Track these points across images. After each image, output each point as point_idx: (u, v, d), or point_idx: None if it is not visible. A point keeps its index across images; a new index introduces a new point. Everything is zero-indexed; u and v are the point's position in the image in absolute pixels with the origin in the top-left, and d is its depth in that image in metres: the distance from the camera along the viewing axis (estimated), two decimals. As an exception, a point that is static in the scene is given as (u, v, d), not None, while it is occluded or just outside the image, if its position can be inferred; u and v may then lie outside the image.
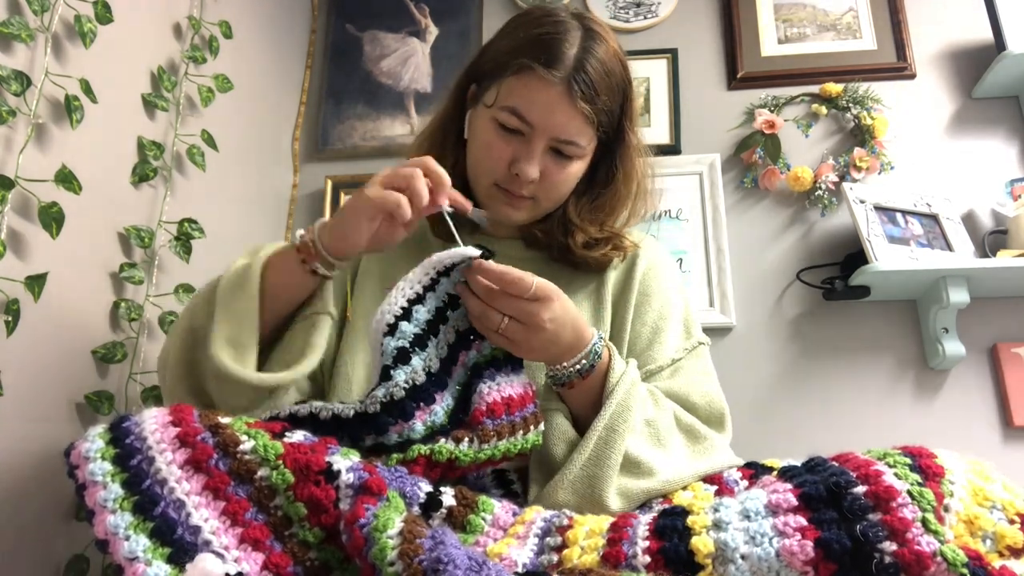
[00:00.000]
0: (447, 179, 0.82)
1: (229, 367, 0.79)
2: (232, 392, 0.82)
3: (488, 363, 0.82)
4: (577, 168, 0.98)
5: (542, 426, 0.83)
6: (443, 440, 0.73)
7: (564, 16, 0.96)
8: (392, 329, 0.75)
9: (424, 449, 0.72)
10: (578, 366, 0.83)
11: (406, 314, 0.76)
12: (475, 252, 0.77)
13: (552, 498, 0.79)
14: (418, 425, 0.74)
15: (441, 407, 0.76)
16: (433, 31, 2.13)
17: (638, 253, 1.08)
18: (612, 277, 1.06)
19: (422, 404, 0.74)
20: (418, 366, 0.75)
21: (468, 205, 0.85)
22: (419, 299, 0.77)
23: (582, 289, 1.05)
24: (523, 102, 0.92)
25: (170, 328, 0.91)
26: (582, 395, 0.86)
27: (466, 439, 0.75)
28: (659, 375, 0.97)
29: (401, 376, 0.73)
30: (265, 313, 0.84)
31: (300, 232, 0.85)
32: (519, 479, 0.86)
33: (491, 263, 0.77)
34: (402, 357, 0.74)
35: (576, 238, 1.02)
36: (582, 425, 0.85)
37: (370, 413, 0.73)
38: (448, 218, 0.83)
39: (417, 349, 0.75)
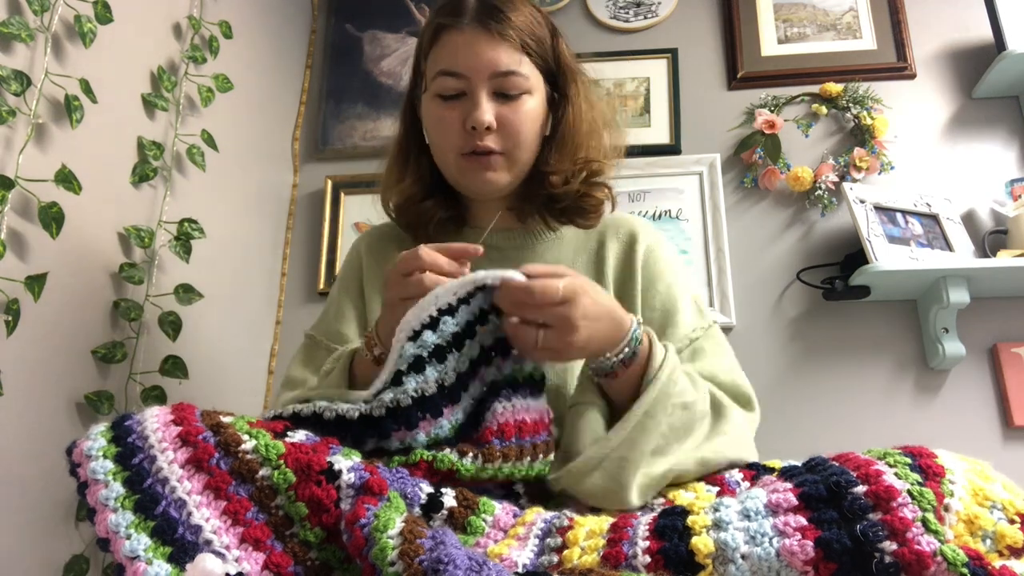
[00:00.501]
0: (457, 247, 0.81)
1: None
2: None
3: (507, 383, 0.80)
4: (530, 105, 0.97)
5: (551, 457, 0.81)
6: (448, 450, 0.72)
7: None
8: (416, 336, 0.73)
9: (427, 455, 0.71)
10: (621, 356, 0.81)
11: (433, 323, 0.74)
12: (520, 276, 0.75)
13: (580, 476, 0.77)
14: (421, 435, 0.73)
15: (449, 421, 0.75)
16: (433, 31, 2.13)
17: (636, 235, 1.07)
18: (611, 261, 1.05)
19: (428, 416, 0.73)
20: (431, 377, 0.73)
21: (479, 250, 0.84)
22: (450, 310, 0.75)
23: (577, 263, 1.05)
24: (448, 59, 0.95)
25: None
26: (626, 384, 0.83)
27: (471, 454, 0.73)
28: (679, 357, 0.94)
29: (411, 384, 0.72)
30: None
31: (363, 342, 0.87)
32: (523, 492, 0.85)
33: (515, 276, 0.75)
34: (417, 365, 0.73)
35: (552, 180, 1.00)
36: (621, 414, 0.82)
37: (375, 416, 0.72)
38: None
39: (434, 360, 0.74)
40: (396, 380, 0.73)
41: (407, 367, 0.73)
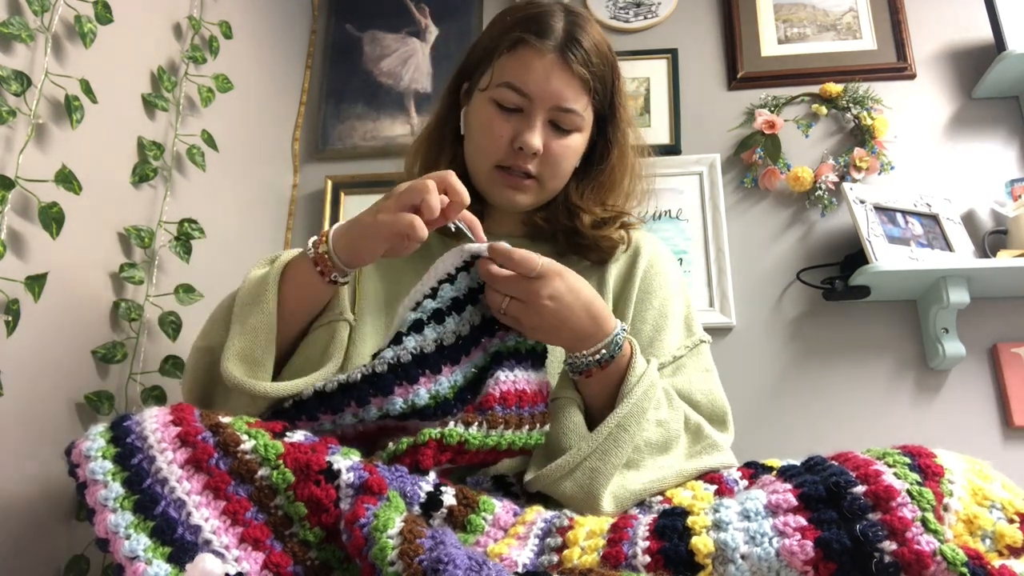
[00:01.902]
0: (466, 197, 0.81)
1: (241, 380, 0.79)
2: (247, 406, 0.82)
3: (511, 354, 0.83)
4: (577, 142, 0.99)
5: (547, 427, 0.83)
6: (452, 424, 0.75)
7: (546, 1, 1.00)
8: (417, 306, 0.79)
9: (435, 433, 0.73)
10: (597, 356, 0.83)
11: (433, 293, 0.80)
12: (507, 246, 0.80)
13: (551, 482, 0.78)
14: (422, 391, 0.75)
15: (448, 380, 0.78)
16: (433, 31, 2.14)
17: (640, 248, 1.08)
18: (614, 270, 1.06)
19: (428, 372, 0.76)
20: (430, 336, 0.77)
21: (479, 229, 0.86)
22: (450, 279, 0.81)
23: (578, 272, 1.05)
24: (519, 74, 0.94)
25: (191, 349, 0.92)
26: (599, 386, 0.85)
27: (475, 423, 0.76)
28: (661, 372, 0.96)
29: (411, 342, 0.76)
30: (283, 325, 0.85)
31: (313, 240, 0.85)
32: (518, 482, 0.86)
33: (504, 244, 0.80)
34: (416, 327, 0.78)
35: (583, 219, 1.03)
36: (593, 417, 0.85)
37: (377, 373, 0.74)
38: (459, 230, 0.85)
39: (433, 323, 0.78)
40: (396, 340, 0.77)
41: (407, 329, 0.77)
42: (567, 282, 0.80)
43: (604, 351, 0.83)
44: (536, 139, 0.95)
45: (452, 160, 1.04)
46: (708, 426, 0.92)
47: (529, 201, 1.01)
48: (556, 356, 0.92)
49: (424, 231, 0.78)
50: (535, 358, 0.85)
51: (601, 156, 1.05)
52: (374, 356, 0.78)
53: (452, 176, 0.81)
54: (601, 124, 1.04)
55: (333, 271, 0.84)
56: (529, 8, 0.98)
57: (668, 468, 0.83)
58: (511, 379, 0.80)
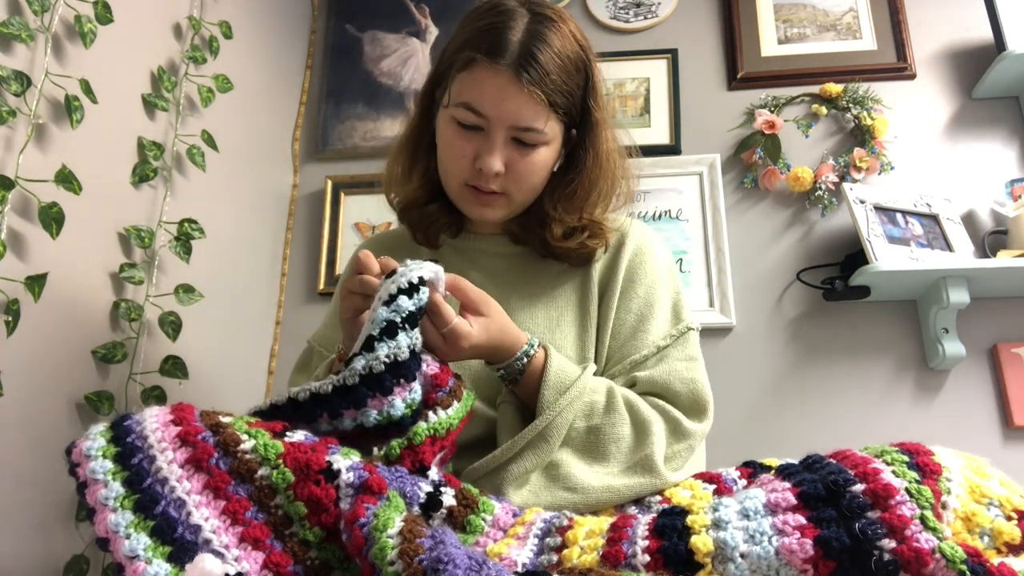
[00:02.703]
0: (375, 267, 0.82)
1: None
2: None
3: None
4: (543, 156, 0.96)
5: (470, 395, 0.85)
6: (431, 416, 0.76)
7: (511, 5, 0.94)
8: (391, 300, 0.75)
9: (427, 428, 0.74)
10: (501, 373, 0.89)
11: (410, 289, 0.76)
12: (439, 278, 0.80)
13: (471, 478, 0.84)
14: (397, 401, 0.73)
15: (420, 385, 0.77)
16: (433, 31, 2.14)
17: (625, 239, 1.06)
18: (598, 267, 1.04)
19: (402, 381, 0.73)
20: (403, 343, 0.73)
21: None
22: (391, 298, 0.78)
23: (569, 282, 1.04)
24: (473, 95, 0.91)
25: None
26: (523, 393, 0.90)
27: (439, 409, 0.77)
28: (644, 364, 0.96)
29: (384, 350, 0.72)
30: None
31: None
32: None
33: (437, 295, 0.79)
34: (389, 331, 0.73)
35: (553, 229, 1.00)
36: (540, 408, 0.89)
37: (349, 385, 0.72)
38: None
39: (407, 327, 0.75)
40: (368, 346, 0.73)
41: (379, 332, 0.73)
42: (475, 349, 0.84)
43: (503, 371, 0.89)
44: (495, 161, 0.93)
45: (425, 171, 1.04)
46: (673, 414, 0.92)
47: (500, 215, 1.00)
48: None
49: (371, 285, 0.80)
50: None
51: (576, 162, 1.02)
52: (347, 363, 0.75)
53: (371, 274, 0.81)
54: (574, 130, 1.00)
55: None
56: (490, 15, 0.93)
57: (604, 482, 0.85)
58: (431, 363, 0.80)
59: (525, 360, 0.88)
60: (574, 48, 0.94)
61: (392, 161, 1.10)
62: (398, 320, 0.74)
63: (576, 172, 1.01)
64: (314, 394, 0.73)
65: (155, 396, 1.32)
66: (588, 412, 0.88)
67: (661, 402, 0.92)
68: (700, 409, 0.93)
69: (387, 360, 0.72)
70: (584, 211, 1.02)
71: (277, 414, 0.74)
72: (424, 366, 0.78)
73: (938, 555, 0.51)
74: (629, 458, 0.86)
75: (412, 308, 0.75)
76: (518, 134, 0.93)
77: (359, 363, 0.72)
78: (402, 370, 0.73)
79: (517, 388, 0.90)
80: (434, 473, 0.73)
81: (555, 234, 1.00)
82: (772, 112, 1.88)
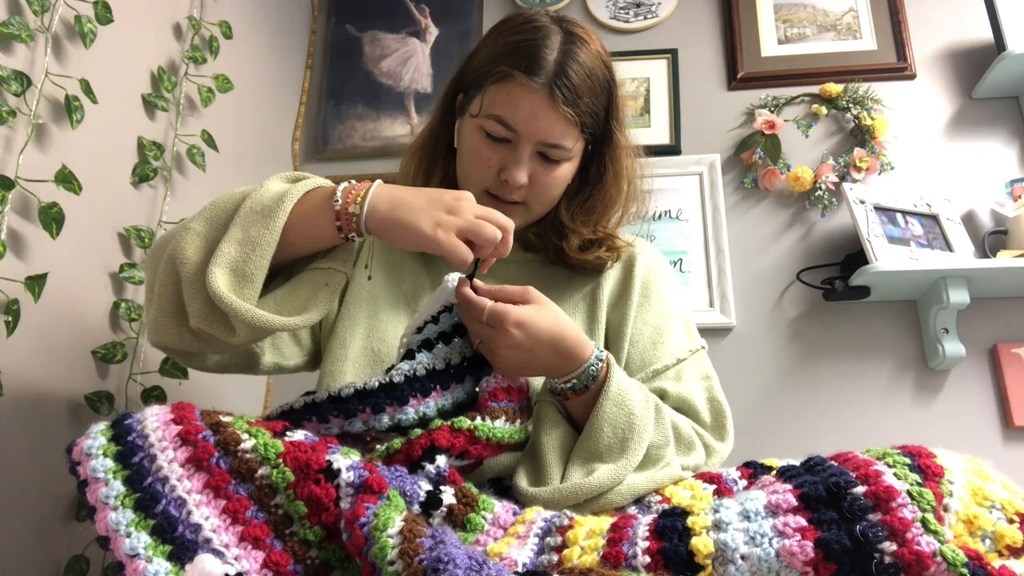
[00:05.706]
0: (505, 253, 0.83)
1: (223, 293, 0.74)
2: (219, 321, 0.77)
3: (489, 371, 0.88)
4: (565, 171, 0.99)
5: (521, 431, 0.85)
6: (479, 419, 0.79)
7: (544, 21, 0.96)
8: (420, 330, 0.86)
9: (468, 424, 0.77)
10: (568, 385, 0.85)
11: (434, 320, 0.86)
12: (453, 282, 0.86)
13: (541, 501, 0.79)
14: (410, 411, 0.79)
15: (435, 403, 0.82)
16: (433, 31, 2.14)
17: (635, 254, 1.09)
18: (609, 278, 1.07)
19: (419, 395, 0.80)
20: (425, 361, 0.82)
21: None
22: (434, 320, 0.86)
23: (578, 291, 1.06)
24: (507, 110, 0.93)
25: (182, 223, 0.84)
26: (578, 407, 0.87)
27: (479, 417, 0.79)
28: (664, 374, 0.98)
29: (406, 366, 0.81)
30: (279, 251, 0.78)
31: (343, 187, 0.80)
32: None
33: (466, 288, 0.84)
34: (426, 345, 0.84)
35: (570, 241, 1.03)
36: (577, 420, 0.88)
37: (368, 390, 0.78)
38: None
39: (425, 351, 0.84)
40: (408, 356, 0.83)
41: (418, 345, 0.84)
42: (525, 328, 0.81)
43: (576, 381, 0.85)
44: (522, 174, 0.95)
45: (444, 176, 1.05)
46: (705, 438, 0.93)
47: (518, 223, 1.00)
48: None
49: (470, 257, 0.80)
50: None
51: (595, 179, 1.05)
52: (388, 370, 0.82)
53: (510, 235, 0.81)
54: (595, 147, 1.03)
55: (353, 231, 0.80)
56: (525, 30, 0.95)
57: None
58: (496, 379, 0.85)
59: (596, 367, 0.85)
60: (601, 69, 0.97)
61: (408, 160, 1.11)
62: (432, 337, 0.85)
63: (596, 188, 1.05)
64: (359, 391, 0.78)
65: (155, 396, 1.32)
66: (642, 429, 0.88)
67: (698, 426, 0.94)
68: (720, 427, 0.97)
69: (409, 374, 0.81)
70: (599, 225, 1.06)
71: (313, 410, 0.79)
72: (491, 381, 0.85)
73: (939, 558, 0.51)
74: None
75: (430, 336, 0.85)
76: (544, 149, 0.95)
77: (405, 365, 0.81)
78: (440, 376, 0.83)
79: (569, 403, 0.87)
80: (442, 460, 0.73)
81: (572, 245, 1.03)
82: (772, 112, 1.88)
